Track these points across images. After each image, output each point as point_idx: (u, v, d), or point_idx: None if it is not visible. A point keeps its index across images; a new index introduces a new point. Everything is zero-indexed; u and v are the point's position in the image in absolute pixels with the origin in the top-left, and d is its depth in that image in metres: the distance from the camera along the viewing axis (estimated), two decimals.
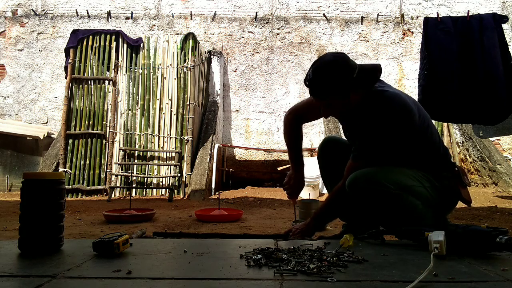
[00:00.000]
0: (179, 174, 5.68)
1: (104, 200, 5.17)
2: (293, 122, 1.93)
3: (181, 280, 1.04)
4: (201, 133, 6.37)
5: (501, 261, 1.23)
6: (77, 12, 7.52)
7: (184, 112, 5.94)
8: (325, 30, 7.49)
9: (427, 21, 3.52)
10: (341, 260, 1.19)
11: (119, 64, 6.03)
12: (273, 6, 7.56)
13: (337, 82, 1.52)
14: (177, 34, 6.97)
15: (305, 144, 7.18)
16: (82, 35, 6.06)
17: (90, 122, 5.83)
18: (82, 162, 5.72)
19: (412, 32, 7.48)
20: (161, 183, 5.71)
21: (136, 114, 5.94)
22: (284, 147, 7.12)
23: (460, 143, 6.98)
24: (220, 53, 7.24)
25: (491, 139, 6.51)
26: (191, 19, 7.52)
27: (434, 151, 1.67)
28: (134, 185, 5.66)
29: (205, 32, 7.49)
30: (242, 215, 3.48)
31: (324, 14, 7.49)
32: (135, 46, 6.19)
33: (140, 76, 6.03)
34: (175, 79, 6.02)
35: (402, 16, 7.47)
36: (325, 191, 5.50)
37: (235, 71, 7.44)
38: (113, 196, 5.47)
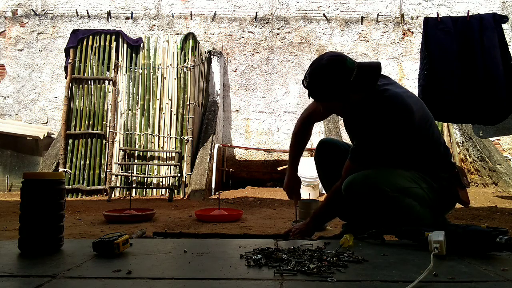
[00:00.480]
0: (179, 174, 5.68)
1: (104, 200, 5.17)
2: (306, 121, 1.95)
3: (181, 280, 1.04)
4: (201, 133, 6.37)
5: (501, 261, 1.23)
6: (77, 12, 7.52)
7: (184, 112, 5.94)
8: (325, 30, 7.49)
9: (427, 21, 3.52)
10: (341, 260, 1.19)
11: (119, 64, 6.03)
12: (273, 6, 7.56)
13: (334, 86, 1.49)
14: (177, 34, 6.97)
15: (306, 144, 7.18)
16: (82, 35, 6.06)
17: (90, 122, 5.83)
18: (82, 162, 5.72)
19: (412, 32, 7.48)
20: (161, 183, 5.71)
21: (136, 114, 5.94)
22: (284, 147, 7.16)
23: (460, 143, 6.98)
24: (220, 53, 7.25)
25: (491, 139, 6.52)
26: (191, 19, 7.52)
27: (433, 151, 1.66)
28: (134, 185, 5.66)
29: (205, 32, 7.49)
30: (242, 215, 3.48)
31: (324, 14, 7.49)
32: (135, 46, 6.19)
33: (140, 76, 6.03)
34: (175, 79, 6.02)
35: (402, 16, 7.47)
36: (325, 191, 5.50)
37: (235, 71, 7.44)
38: (113, 196, 5.47)
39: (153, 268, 1.15)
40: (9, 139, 6.49)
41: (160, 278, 1.05)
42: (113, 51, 6.09)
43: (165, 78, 6.03)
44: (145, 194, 5.65)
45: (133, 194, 5.57)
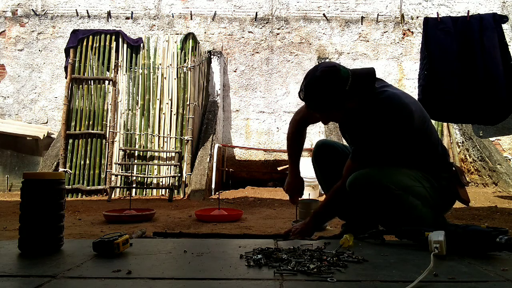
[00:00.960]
0: (179, 174, 5.68)
1: (104, 200, 5.17)
2: (299, 123, 1.94)
3: (181, 280, 1.04)
4: (201, 133, 6.37)
5: (501, 261, 1.23)
6: (77, 12, 7.53)
7: (184, 112, 5.94)
8: (325, 30, 7.49)
9: (427, 21, 3.52)
10: (341, 260, 1.19)
11: (119, 64, 6.03)
12: (273, 6, 7.56)
13: (330, 97, 1.51)
14: (177, 34, 6.97)
15: (305, 144, 7.15)
16: (82, 35, 6.06)
17: (90, 122, 5.83)
18: (82, 162, 5.72)
19: (412, 32, 7.48)
20: (161, 183, 5.71)
21: (136, 114, 5.94)
22: (284, 147, 7.12)
23: (460, 143, 6.98)
24: (220, 53, 7.25)
25: (491, 139, 6.52)
26: (191, 19, 7.52)
27: (432, 151, 1.67)
28: (134, 185, 5.66)
29: (205, 32, 7.49)
30: (242, 215, 3.48)
31: (324, 14, 7.49)
32: (135, 46, 6.19)
33: (140, 76, 6.03)
34: (175, 79, 6.02)
35: (402, 16, 7.47)
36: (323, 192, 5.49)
37: (235, 71, 7.44)
38: (113, 196, 5.47)
39: (153, 268, 1.15)
40: (9, 139, 6.49)
41: (160, 278, 1.05)
42: (113, 51, 6.09)
43: (165, 78, 6.03)
44: (145, 194, 5.65)
45: (133, 194, 5.57)
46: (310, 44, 7.46)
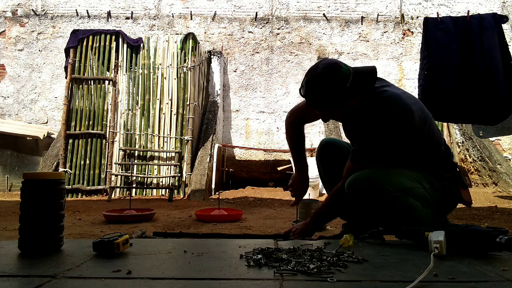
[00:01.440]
0: (179, 174, 5.68)
1: (104, 200, 5.17)
2: (295, 124, 1.93)
3: (181, 280, 1.04)
4: (201, 133, 6.37)
5: (501, 261, 1.23)
6: (77, 12, 7.53)
7: (184, 112, 5.94)
8: (325, 30, 7.49)
9: (427, 21, 3.52)
10: (341, 260, 1.19)
11: (119, 64, 6.03)
12: (273, 6, 7.56)
13: (331, 94, 1.50)
14: (177, 34, 6.97)
15: (305, 144, 7.17)
16: (82, 35, 6.06)
17: (90, 122, 5.83)
18: (82, 162, 5.72)
19: (412, 32, 7.48)
20: (161, 183, 5.71)
21: (136, 114, 5.94)
22: (284, 147, 7.16)
23: (460, 143, 6.98)
24: (220, 53, 7.25)
25: (491, 139, 6.52)
26: (191, 19, 7.52)
27: (435, 151, 1.66)
28: (134, 185, 5.66)
29: (205, 32, 7.49)
30: (242, 215, 3.47)
31: (324, 14, 7.49)
32: (135, 46, 6.19)
33: (140, 76, 6.03)
34: (175, 79, 6.02)
35: (402, 16, 7.47)
36: (325, 191, 5.49)
37: (235, 71, 7.44)
38: (113, 196, 5.47)
39: (153, 268, 1.15)
40: (9, 139, 6.49)
41: (160, 278, 1.05)
42: (113, 51, 6.09)
43: (165, 78, 6.03)
44: (145, 194, 5.65)
45: (133, 194, 5.57)
46: (310, 44, 7.46)
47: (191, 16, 7.51)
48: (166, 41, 6.20)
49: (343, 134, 6.31)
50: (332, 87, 1.49)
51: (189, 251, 1.37)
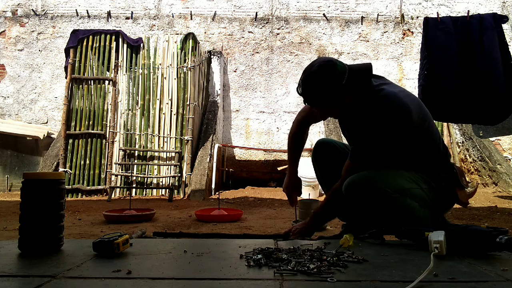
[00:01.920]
0: (179, 174, 5.68)
1: (104, 200, 5.17)
2: (301, 123, 1.93)
3: (181, 280, 1.04)
4: (201, 133, 6.37)
5: (501, 261, 1.23)
6: (77, 12, 7.53)
7: (184, 112, 5.94)
8: (325, 30, 7.49)
9: (427, 21, 3.52)
10: (341, 260, 1.19)
11: (119, 64, 6.03)
12: (273, 6, 7.56)
13: (327, 91, 1.52)
14: (177, 34, 6.97)
15: (305, 144, 7.17)
16: (82, 35, 6.06)
17: (90, 122, 5.83)
18: (82, 162, 5.72)
19: (412, 32, 7.48)
20: (161, 183, 5.71)
21: (136, 114, 5.94)
22: (284, 147, 7.14)
23: (460, 143, 6.98)
24: (220, 53, 7.25)
25: (491, 139, 6.51)
26: (191, 19, 7.52)
27: (433, 150, 1.66)
28: (134, 185, 5.66)
29: (205, 32, 7.49)
30: (242, 215, 3.48)
31: (324, 14, 7.49)
32: (135, 46, 6.19)
33: (140, 76, 6.03)
34: (175, 79, 6.02)
35: (402, 16, 7.47)
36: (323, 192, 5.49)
37: (235, 71, 7.44)
38: (113, 196, 5.47)
39: (153, 268, 1.15)
40: (9, 139, 6.49)
41: (160, 278, 1.05)
42: (113, 51, 6.09)
43: (165, 78, 6.03)
44: (145, 194, 5.65)
45: (133, 194, 5.57)
46: (310, 44, 7.46)
47: (191, 16, 7.51)
48: (166, 41, 6.20)
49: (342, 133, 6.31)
50: (328, 84, 1.50)
51: (189, 251, 1.37)
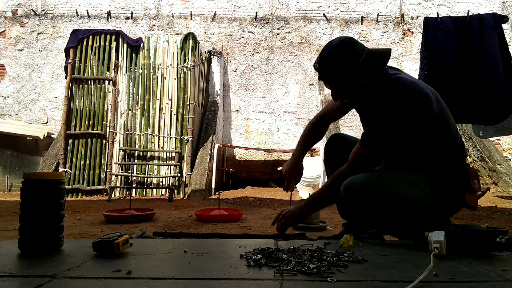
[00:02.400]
0: (179, 174, 5.68)
1: (104, 200, 5.17)
2: (319, 120, 1.93)
3: (181, 280, 1.04)
4: (201, 133, 6.37)
5: (501, 261, 1.23)
6: (77, 12, 7.53)
7: (184, 112, 5.94)
8: (325, 30, 7.49)
9: (427, 21, 3.53)
10: (341, 260, 1.19)
11: (119, 64, 6.03)
12: (273, 6, 7.56)
13: (342, 67, 1.51)
14: (177, 34, 6.98)
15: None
16: (82, 35, 6.06)
17: (90, 122, 5.83)
18: (82, 162, 5.72)
19: (412, 32, 7.48)
20: (161, 183, 5.71)
21: (136, 114, 5.94)
22: (284, 147, 7.17)
23: None
24: (220, 53, 7.25)
25: (491, 139, 6.51)
26: (191, 19, 7.52)
27: (450, 142, 1.59)
28: (134, 185, 5.66)
29: (205, 32, 7.49)
30: (242, 215, 3.47)
31: (324, 14, 7.49)
32: (135, 46, 6.19)
33: (140, 76, 6.03)
34: (175, 79, 6.02)
35: (402, 16, 7.47)
36: None
37: (235, 71, 7.44)
38: (113, 196, 5.47)
39: (153, 268, 1.15)
40: (9, 139, 6.49)
41: (160, 278, 1.05)
42: (113, 51, 6.09)
43: (165, 78, 6.03)
44: (145, 194, 5.65)
45: (133, 194, 5.57)
46: (310, 44, 7.46)
47: (191, 16, 7.51)
48: (166, 41, 6.20)
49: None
50: (344, 60, 1.50)
51: (189, 251, 1.37)
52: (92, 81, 5.97)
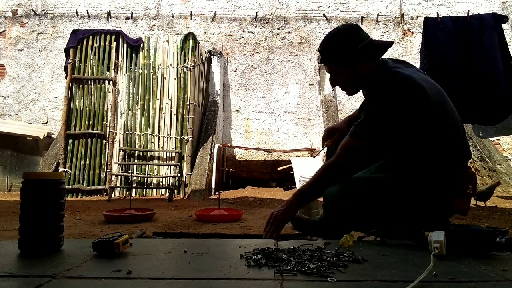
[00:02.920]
0: (179, 174, 5.68)
1: (104, 200, 5.17)
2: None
3: (181, 280, 1.04)
4: (201, 133, 6.37)
5: (501, 261, 1.23)
6: (77, 12, 7.53)
7: (184, 112, 5.94)
8: (325, 30, 7.49)
9: (427, 21, 3.53)
10: (341, 260, 1.19)
11: (119, 64, 6.03)
12: (273, 6, 7.56)
13: (340, 47, 1.56)
14: (177, 34, 6.98)
15: (305, 144, 7.18)
16: (82, 35, 6.06)
17: (90, 122, 5.84)
18: (82, 162, 5.72)
19: (412, 32, 7.48)
20: (161, 183, 5.71)
21: (136, 114, 5.94)
22: (284, 147, 7.16)
23: None
24: (220, 53, 7.25)
25: (491, 139, 6.51)
26: (191, 19, 7.52)
27: (450, 135, 1.52)
28: (134, 185, 5.66)
29: (205, 32, 7.49)
30: (242, 215, 3.47)
31: (324, 14, 7.49)
32: (135, 46, 6.19)
33: (140, 76, 6.03)
34: (175, 79, 6.02)
35: (402, 16, 7.47)
36: None
37: (235, 71, 7.44)
38: (113, 196, 5.47)
39: (153, 268, 1.15)
40: (9, 139, 6.49)
41: (160, 278, 1.05)
42: (113, 51, 6.09)
43: (165, 78, 6.03)
44: (145, 194, 5.65)
45: (133, 194, 5.57)
46: (310, 44, 7.46)
47: (191, 16, 7.51)
48: (166, 41, 6.20)
49: None
50: (344, 41, 1.56)
51: (189, 251, 1.37)
52: (92, 81, 5.97)
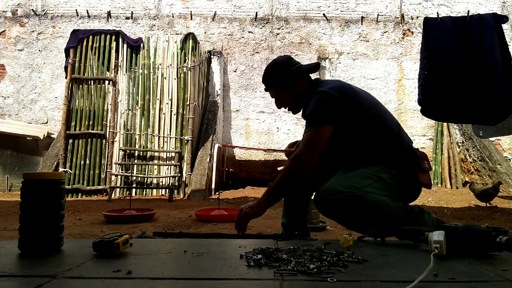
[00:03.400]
0: (179, 174, 5.68)
1: (104, 200, 5.17)
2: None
3: (181, 280, 1.04)
4: (201, 133, 6.37)
5: (501, 261, 1.23)
6: (77, 12, 7.53)
7: (184, 112, 5.94)
8: (325, 30, 7.49)
9: (427, 21, 3.52)
10: (341, 260, 1.19)
11: (119, 64, 6.03)
12: (273, 6, 7.56)
13: (278, 72, 1.86)
14: (177, 34, 6.97)
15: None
16: (82, 35, 6.07)
17: (90, 122, 5.84)
18: (82, 162, 5.72)
19: (412, 32, 7.48)
20: (161, 183, 5.71)
21: (136, 114, 5.94)
22: (284, 147, 7.13)
23: (460, 143, 6.98)
24: (220, 53, 7.25)
25: (491, 139, 6.51)
26: (191, 19, 7.52)
27: (387, 131, 1.77)
28: (134, 185, 5.66)
29: (205, 32, 7.49)
30: None
31: (324, 14, 7.49)
32: (135, 46, 6.19)
33: (140, 76, 6.03)
34: (175, 79, 6.02)
35: (402, 16, 7.47)
36: None
37: (235, 71, 7.44)
38: (113, 196, 5.47)
39: (153, 268, 1.15)
40: (9, 139, 6.49)
41: (160, 278, 1.05)
42: (113, 51, 6.09)
43: (165, 78, 6.03)
44: (145, 194, 5.65)
45: (133, 194, 5.57)
46: (310, 44, 7.46)
47: (191, 16, 7.51)
48: (166, 41, 6.20)
49: None
50: (281, 67, 1.87)
51: (189, 251, 1.37)
52: (92, 81, 5.98)
